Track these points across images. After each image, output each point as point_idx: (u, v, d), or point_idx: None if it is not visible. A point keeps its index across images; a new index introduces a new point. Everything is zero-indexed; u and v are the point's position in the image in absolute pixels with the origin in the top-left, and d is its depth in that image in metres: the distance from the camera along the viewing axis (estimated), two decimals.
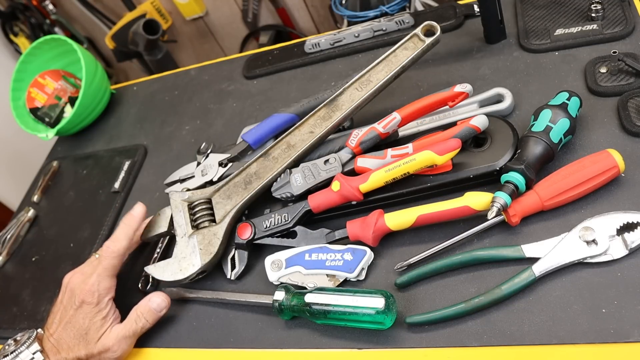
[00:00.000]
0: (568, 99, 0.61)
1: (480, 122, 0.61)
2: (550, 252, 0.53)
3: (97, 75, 1.05)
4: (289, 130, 0.71)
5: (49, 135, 1.04)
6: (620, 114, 0.61)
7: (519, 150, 0.59)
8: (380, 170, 0.62)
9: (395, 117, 0.66)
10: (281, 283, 0.63)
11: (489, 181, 0.61)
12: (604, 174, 0.55)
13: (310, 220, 0.67)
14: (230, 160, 0.76)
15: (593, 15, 0.72)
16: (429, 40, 0.69)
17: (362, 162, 0.65)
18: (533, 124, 0.60)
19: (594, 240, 0.52)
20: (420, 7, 1.52)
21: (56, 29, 2.27)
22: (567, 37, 0.72)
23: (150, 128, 1.01)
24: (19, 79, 1.10)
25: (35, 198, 0.98)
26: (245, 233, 0.67)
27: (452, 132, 0.61)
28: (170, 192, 0.73)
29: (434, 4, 1.56)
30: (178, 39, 2.33)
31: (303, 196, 0.66)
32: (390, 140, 0.69)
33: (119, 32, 1.99)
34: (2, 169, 1.98)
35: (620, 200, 0.55)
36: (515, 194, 0.56)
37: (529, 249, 0.54)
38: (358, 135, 0.67)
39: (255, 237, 0.67)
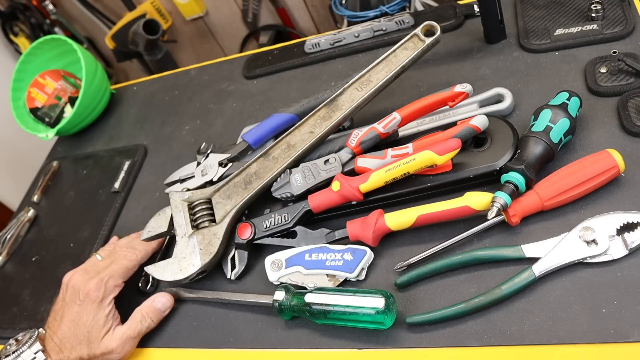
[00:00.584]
0: (568, 99, 0.61)
1: (480, 122, 0.61)
2: (550, 252, 0.53)
3: (97, 75, 1.05)
4: (289, 130, 0.71)
5: (49, 135, 1.04)
6: (620, 114, 0.61)
7: (519, 150, 0.59)
8: (380, 170, 0.62)
9: (395, 117, 0.66)
10: (281, 283, 0.63)
11: (489, 181, 0.61)
12: (604, 174, 0.55)
13: (310, 220, 0.67)
14: (230, 160, 0.76)
15: (593, 15, 0.72)
16: (429, 40, 0.69)
17: (362, 162, 0.65)
18: (533, 124, 0.60)
19: (594, 240, 0.52)
20: (420, 7, 1.52)
21: (56, 29, 2.27)
22: (567, 37, 0.72)
23: (150, 128, 1.01)
24: (19, 79, 1.10)
25: (35, 198, 0.98)
26: (245, 233, 0.67)
27: (452, 132, 0.61)
28: (170, 192, 0.73)
29: (434, 4, 1.56)
30: (178, 39, 2.33)
31: (303, 196, 0.66)
32: (390, 140, 0.69)
33: (119, 32, 1.99)
34: (2, 169, 1.98)
35: (620, 200, 0.55)
36: (515, 194, 0.56)
37: (529, 249, 0.54)
38: (358, 135, 0.67)
39: (255, 237, 0.67)
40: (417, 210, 0.59)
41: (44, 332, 0.66)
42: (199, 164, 0.79)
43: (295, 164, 0.69)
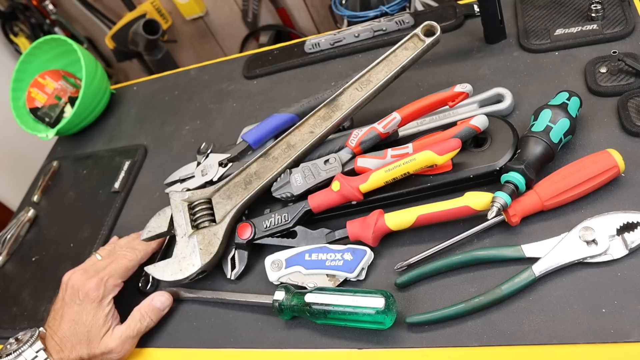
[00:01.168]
0: (568, 99, 0.61)
1: (480, 122, 0.61)
2: (550, 252, 0.53)
3: (97, 75, 1.05)
4: (289, 130, 0.71)
5: (49, 135, 1.04)
6: (620, 114, 0.61)
7: (519, 150, 0.59)
8: (380, 170, 0.62)
9: (395, 117, 0.66)
10: (281, 283, 0.63)
11: (489, 181, 0.61)
12: (604, 174, 0.55)
13: (310, 220, 0.67)
14: (230, 160, 0.76)
15: (593, 15, 0.72)
16: (429, 40, 0.69)
17: (362, 162, 0.65)
18: (533, 124, 0.60)
19: (594, 240, 0.52)
20: (420, 7, 1.52)
21: (56, 29, 2.27)
22: (567, 37, 0.72)
23: (150, 128, 1.01)
24: (19, 79, 1.10)
25: (35, 198, 0.98)
26: (245, 233, 0.67)
27: (452, 132, 0.61)
28: (170, 192, 0.73)
29: (434, 4, 1.56)
30: (178, 39, 2.33)
31: (303, 196, 0.66)
32: (390, 140, 0.69)
33: (119, 32, 1.99)
34: (2, 169, 1.98)
35: (620, 200, 0.55)
36: (515, 194, 0.56)
37: (529, 249, 0.54)
38: (358, 135, 0.67)
39: (255, 237, 0.67)
40: (417, 210, 0.59)
41: (44, 331, 0.66)
42: (199, 164, 0.79)
43: (295, 164, 0.69)
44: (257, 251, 0.69)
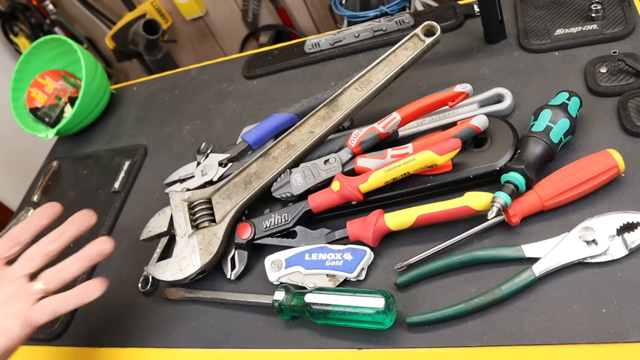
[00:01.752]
0: (568, 99, 0.61)
1: (480, 122, 0.61)
2: (550, 252, 0.53)
3: (97, 75, 1.05)
4: (289, 130, 0.71)
5: (49, 135, 1.04)
6: (620, 114, 0.61)
7: (519, 150, 0.59)
8: (380, 170, 0.62)
9: (395, 117, 0.66)
10: (281, 283, 0.63)
11: (489, 181, 0.61)
12: (604, 174, 0.55)
13: (310, 220, 0.67)
14: (230, 160, 0.76)
15: (593, 15, 0.72)
16: (429, 40, 0.69)
17: (362, 162, 0.65)
18: (533, 124, 0.60)
19: (594, 240, 0.52)
20: (420, 7, 1.52)
21: (56, 29, 2.27)
22: (567, 37, 0.72)
23: (150, 128, 1.01)
24: (19, 79, 1.10)
25: (35, 198, 0.98)
26: (245, 233, 0.67)
27: (452, 132, 0.61)
28: (170, 192, 0.73)
29: (434, 4, 1.56)
30: (178, 39, 2.33)
31: (303, 196, 0.66)
32: (390, 140, 0.69)
33: (119, 32, 1.99)
34: (2, 169, 1.98)
35: (620, 200, 0.55)
36: (515, 194, 0.56)
37: (529, 249, 0.54)
38: (358, 135, 0.67)
39: (255, 237, 0.67)
40: (417, 210, 0.59)
41: None
42: (199, 164, 0.79)
43: (295, 164, 0.69)
44: (257, 251, 0.69)
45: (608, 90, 0.64)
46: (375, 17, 1.23)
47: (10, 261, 0.61)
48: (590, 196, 0.57)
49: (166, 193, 0.78)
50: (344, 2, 1.51)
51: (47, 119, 1.09)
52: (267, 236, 0.67)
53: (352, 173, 0.66)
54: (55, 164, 1.04)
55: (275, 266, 0.64)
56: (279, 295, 0.60)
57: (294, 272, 0.62)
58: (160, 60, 1.84)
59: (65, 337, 0.73)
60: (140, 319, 0.70)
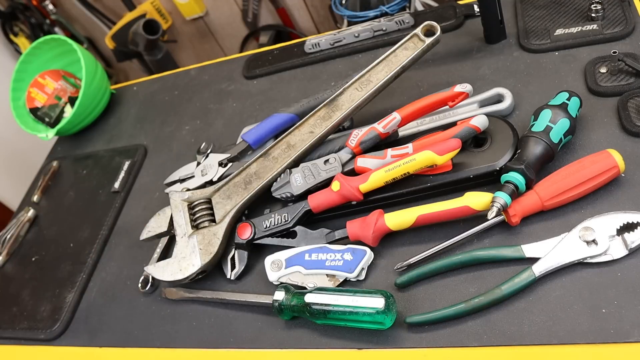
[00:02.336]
0: (568, 99, 0.61)
1: (480, 122, 0.61)
2: (550, 252, 0.53)
3: (97, 75, 1.05)
4: (289, 130, 0.71)
5: (49, 135, 1.04)
6: (620, 114, 0.61)
7: (519, 150, 0.59)
8: (380, 170, 0.62)
9: (395, 117, 0.66)
10: (281, 283, 0.63)
11: (489, 181, 0.61)
12: (604, 174, 0.55)
13: (310, 220, 0.67)
14: (230, 160, 0.76)
15: (593, 15, 0.72)
16: (429, 40, 0.69)
17: (362, 162, 0.65)
18: (533, 124, 0.60)
19: (594, 240, 0.52)
20: (420, 7, 1.52)
21: (56, 29, 2.27)
22: (567, 37, 0.72)
23: (150, 128, 1.01)
24: (19, 79, 1.10)
25: (35, 198, 0.98)
26: (245, 233, 0.67)
27: (452, 132, 0.61)
28: (170, 192, 0.73)
29: (434, 4, 1.56)
30: (178, 39, 2.33)
31: (303, 196, 0.66)
32: (390, 140, 0.69)
33: (119, 32, 1.99)
34: (2, 169, 1.98)
35: (620, 200, 0.55)
36: (515, 194, 0.56)
37: (529, 249, 0.54)
38: (358, 135, 0.67)
39: (255, 237, 0.67)
40: (417, 210, 0.59)
41: None
42: (199, 164, 0.79)
43: (295, 164, 0.69)
44: (257, 251, 0.69)
45: (608, 90, 0.64)
46: (375, 17, 1.23)
47: None
48: (590, 196, 0.57)
49: (166, 193, 0.78)
50: (344, 2, 1.51)
51: (47, 119, 1.09)
52: (267, 236, 0.67)
53: (352, 173, 0.66)
54: (55, 164, 1.04)
55: (275, 266, 0.64)
56: (279, 295, 0.60)
57: (294, 272, 0.62)
58: (160, 60, 1.84)
59: (65, 337, 0.73)
60: (140, 319, 0.70)
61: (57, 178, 1.02)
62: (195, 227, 0.69)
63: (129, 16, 2.02)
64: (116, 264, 0.79)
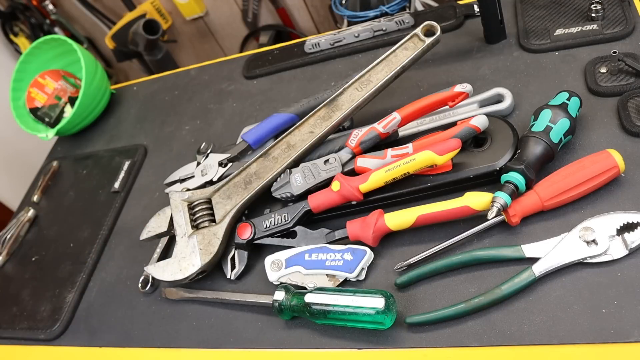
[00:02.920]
0: (568, 99, 0.61)
1: (480, 122, 0.61)
2: (550, 252, 0.53)
3: (97, 75, 1.05)
4: (289, 130, 0.71)
5: (49, 135, 1.04)
6: (620, 114, 0.61)
7: (519, 150, 0.59)
8: (380, 170, 0.62)
9: (395, 117, 0.66)
10: (281, 283, 0.63)
11: (489, 181, 0.61)
12: (604, 174, 0.55)
13: (310, 220, 0.67)
14: (230, 160, 0.76)
15: (593, 15, 0.72)
16: (429, 40, 0.69)
17: (362, 162, 0.65)
18: (533, 124, 0.60)
19: (594, 240, 0.52)
20: (420, 7, 1.52)
21: (56, 29, 2.27)
22: (567, 37, 0.72)
23: (150, 128, 1.01)
24: (19, 79, 1.10)
25: (35, 198, 0.98)
26: (245, 233, 0.67)
27: (452, 132, 0.61)
28: (170, 192, 0.73)
29: (434, 4, 1.56)
30: (178, 39, 2.33)
31: (303, 196, 0.66)
32: (390, 140, 0.69)
33: (119, 32, 1.99)
34: (2, 169, 1.98)
35: (620, 200, 0.55)
36: (515, 194, 0.56)
37: (529, 249, 0.54)
38: (358, 135, 0.67)
39: (255, 237, 0.67)
40: (417, 210, 0.59)
41: None
42: (199, 164, 0.79)
43: (295, 164, 0.69)
44: (257, 251, 0.69)
45: (608, 90, 0.64)
46: (375, 17, 1.23)
47: None
48: (590, 196, 0.57)
49: (166, 193, 0.78)
50: (344, 2, 1.51)
51: (47, 119, 1.09)
52: (267, 236, 0.67)
53: (352, 173, 0.66)
54: (55, 164, 1.04)
55: (275, 266, 0.64)
56: (279, 295, 0.60)
57: (294, 272, 0.62)
58: (160, 60, 1.83)
59: (65, 337, 0.73)
60: (140, 319, 0.70)
61: (57, 178, 1.02)
62: (195, 227, 0.69)
63: (129, 16, 2.02)
64: (116, 264, 0.79)
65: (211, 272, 0.69)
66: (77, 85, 1.12)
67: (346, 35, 0.91)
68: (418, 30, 0.70)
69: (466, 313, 0.53)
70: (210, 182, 0.76)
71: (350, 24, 1.47)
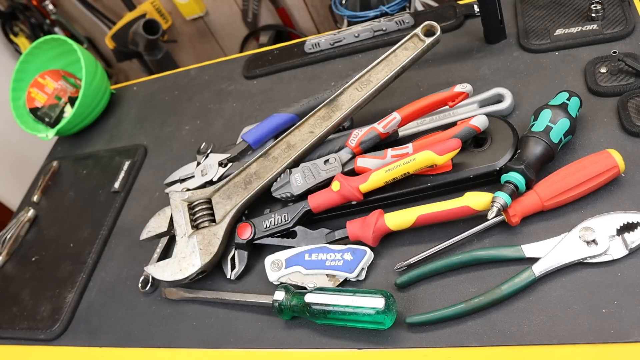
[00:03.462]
0: (568, 99, 0.61)
1: (480, 122, 0.61)
2: (550, 252, 0.53)
3: (97, 75, 1.05)
4: (289, 130, 0.71)
5: (49, 135, 1.04)
6: (620, 114, 0.61)
7: (519, 150, 0.59)
8: (380, 170, 0.62)
9: (395, 117, 0.66)
10: (281, 283, 0.63)
11: (489, 181, 0.61)
12: (604, 174, 0.55)
13: (310, 220, 0.67)
14: (230, 160, 0.76)
15: (593, 15, 0.72)
16: (429, 40, 0.69)
17: (362, 162, 0.65)
18: (533, 124, 0.60)
19: (594, 240, 0.52)
20: (420, 7, 1.52)
21: (56, 29, 2.27)
22: (567, 37, 0.72)
23: (150, 128, 1.01)
24: (19, 79, 1.10)
25: (35, 198, 0.98)
26: (245, 233, 0.67)
27: (452, 132, 0.61)
28: (170, 192, 0.73)
29: (434, 4, 1.56)
30: (178, 39, 2.33)
31: (303, 196, 0.66)
32: (390, 140, 0.69)
33: (119, 32, 1.99)
34: (2, 169, 1.98)
35: (620, 200, 0.55)
36: (515, 194, 0.56)
37: (529, 249, 0.54)
38: (358, 135, 0.67)
39: (255, 237, 0.67)
40: (417, 210, 0.59)
41: None
42: (199, 164, 0.79)
43: (295, 164, 0.69)
44: (257, 251, 0.69)
45: (608, 90, 0.64)
46: (375, 17, 1.23)
47: None
48: (590, 196, 0.57)
49: (166, 193, 0.78)
50: (344, 2, 1.51)
51: (47, 119, 1.09)
52: (267, 236, 0.67)
53: (352, 173, 0.66)
54: (55, 164, 1.04)
55: (275, 266, 0.64)
56: (279, 295, 0.60)
57: (294, 272, 0.62)
58: (160, 60, 1.83)
59: (65, 337, 0.73)
60: (140, 319, 0.70)
61: (57, 178, 1.02)
62: (195, 227, 0.69)
63: (129, 16, 2.02)
64: (116, 264, 0.79)
65: (211, 272, 0.69)
66: (77, 85, 1.12)
67: (346, 35, 0.91)
68: (418, 30, 0.70)
69: (466, 313, 0.53)
70: (210, 182, 0.76)
71: (350, 24, 1.47)
